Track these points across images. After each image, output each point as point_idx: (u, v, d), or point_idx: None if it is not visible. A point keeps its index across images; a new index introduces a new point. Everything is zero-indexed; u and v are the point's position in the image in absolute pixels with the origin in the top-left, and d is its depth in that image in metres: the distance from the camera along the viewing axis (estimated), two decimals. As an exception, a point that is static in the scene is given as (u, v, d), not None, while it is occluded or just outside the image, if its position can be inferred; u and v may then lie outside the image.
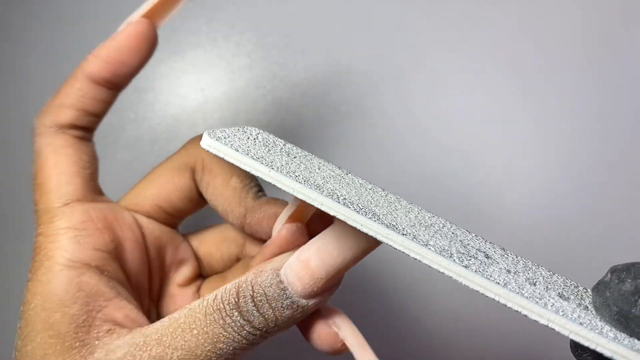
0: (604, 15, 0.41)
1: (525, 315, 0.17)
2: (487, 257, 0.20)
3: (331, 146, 0.42)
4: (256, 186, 0.27)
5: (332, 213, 0.19)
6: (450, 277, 0.18)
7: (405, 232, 0.19)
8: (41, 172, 0.25)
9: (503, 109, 0.42)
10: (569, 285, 0.21)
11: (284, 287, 0.21)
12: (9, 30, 0.44)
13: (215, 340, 0.20)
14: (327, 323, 0.23)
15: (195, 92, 0.43)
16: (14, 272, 0.43)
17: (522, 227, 0.41)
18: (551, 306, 0.17)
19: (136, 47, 0.25)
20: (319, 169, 0.22)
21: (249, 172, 0.26)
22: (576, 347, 0.18)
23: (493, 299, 0.17)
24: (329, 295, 0.22)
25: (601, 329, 0.17)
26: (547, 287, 0.19)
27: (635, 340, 0.17)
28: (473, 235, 0.22)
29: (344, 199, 0.19)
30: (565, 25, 0.42)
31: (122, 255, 0.25)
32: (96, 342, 0.22)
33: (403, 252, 0.18)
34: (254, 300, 0.21)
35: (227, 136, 0.21)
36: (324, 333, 0.22)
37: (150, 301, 0.28)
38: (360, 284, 0.41)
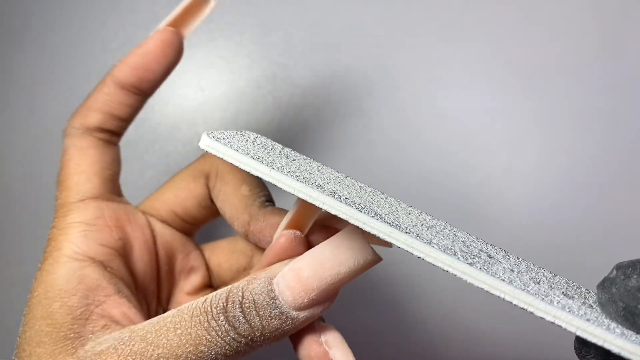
0: (604, 15, 0.41)
1: (531, 313, 0.17)
2: (490, 257, 0.20)
3: (331, 146, 0.42)
4: (264, 196, 0.26)
5: (333, 212, 0.19)
6: (455, 275, 0.18)
7: (408, 231, 0.18)
8: (64, 169, 0.26)
9: (503, 110, 0.42)
10: (571, 285, 0.21)
11: (275, 296, 0.20)
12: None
13: (197, 342, 0.20)
14: (318, 340, 0.22)
15: (195, 92, 0.43)
16: (14, 272, 0.42)
17: (522, 227, 0.41)
18: (557, 303, 0.17)
19: (162, 53, 0.26)
20: (318, 171, 0.22)
21: (259, 182, 0.27)
22: (580, 348, 0.17)
23: (498, 297, 0.17)
24: (321, 309, 0.21)
25: (608, 325, 0.17)
26: (551, 286, 0.19)
27: None
28: (474, 237, 0.22)
29: (346, 198, 0.19)
30: (565, 25, 0.42)
31: (130, 255, 0.26)
32: (90, 335, 0.22)
33: (406, 251, 0.18)
34: (241, 306, 0.20)
35: (226, 137, 0.21)
36: (313, 350, 0.21)
37: (159, 306, 0.28)
38: (361, 284, 0.41)
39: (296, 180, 0.19)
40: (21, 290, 0.42)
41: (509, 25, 0.42)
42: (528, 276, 0.19)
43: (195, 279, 0.29)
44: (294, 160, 0.22)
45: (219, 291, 0.21)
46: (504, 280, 0.17)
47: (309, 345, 0.21)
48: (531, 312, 0.17)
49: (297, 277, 0.20)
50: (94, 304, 0.23)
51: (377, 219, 0.18)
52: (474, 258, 0.18)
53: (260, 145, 0.22)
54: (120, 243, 0.25)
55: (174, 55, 0.27)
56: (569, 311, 0.17)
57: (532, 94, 0.42)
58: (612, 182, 0.41)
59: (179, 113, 0.43)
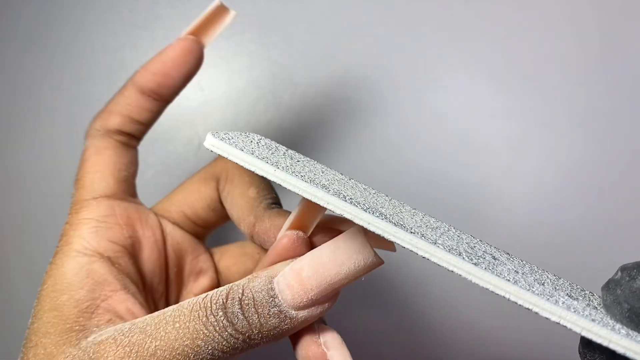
0: (606, 15, 0.42)
1: (537, 313, 0.17)
2: (495, 258, 0.20)
3: (331, 146, 0.42)
4: (271, 198, 0.27)
5: (338, 212, 0.19)
6: (460, 275, 0.18)
7: (413, 231, 0.18)
8: (81, 168, 0.27)
9: (503, 110, 0.42)
10: (575, 288, 0.21)
11: (274, 294, 0.20)
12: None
13: (194, 336, 0.20)
14: (316, 341, 0.22)
15: (195, 92, 0.43)
16: (13, 273, 0.42)
17: (523, 228, 0.41)
18: (562, 303, 0.17)
19: (181, 60, 0.27)
20: (322, 172, 0.22)
21: (267, 185, 0.27)
22: (585, 352, 0.18)
23: (503, 297, 0.17)
24: (321, 310, 0.21)
25: (613, 326, 0.17)
26: (555, 288, 0.19)
27: None
28: (478, 240, 0.22)
29: (350, 198, 0.19)
30: (566, 25, 0.42)
31: (139, 253, 0.26)
32: (95, 328, 0.22)
33: (411, 251, 0.18)
34: (240, 303, 0.20)
35: (231, 137, 0.21)
36: (311, 351, 0.21)
37: (167, 306, 0.28)
38: (362, 285, 0.41)
39: (301, 179, 0.19)
40: (22, 292, 0.42)
41: (509, 25, 0.42)
42: (532, 277, 0.19)
43: (204, 281, 0.30)
44: (298, 161, 0.22)
45: (221, 288, 0.21)
46: (509, 280, 0.17)
47: (308, 346, 0.22)
48: (536, 313, 0.17)
49: (297, 277, 0.20)
50: (100, 298, 0.23)
51: (382, 219, 0.18)
52: (478, 259, 0.18)
53: (265, 146, 0.22)
54: (129, 241, 0.26)
55: (194, 63, 0.28)
56: (574, 311, 0.17)
57: (532, 95, 0.42)
58: (612, 183, 0.41)
59: (179, 113, 0.43)
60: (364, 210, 0.18)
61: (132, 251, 0.26)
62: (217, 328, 0.20)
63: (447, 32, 0.42)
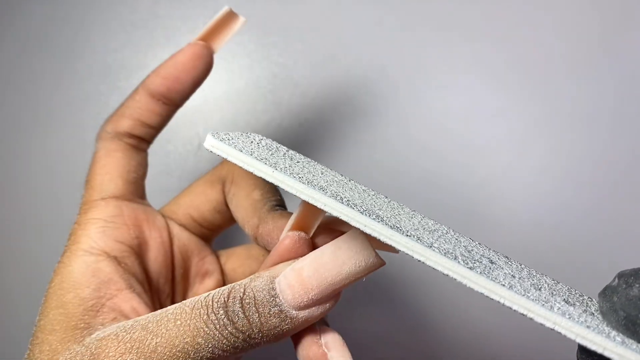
0: (606, 15, 0.41)
1: (531, 319, 0.17)
2: (492, 262, 0.20)
3: (331, 146, 0.42)
4: (275, 201, 0.27)
5: (335, 214, 0.19)
6: (455, 279, 0.18)
7: (409, 234, 0.18)
8: (91, 170, 0.27)
9: (504, 110, 0.42)
10: (573, 293, 0.21)
11: (275, 294, 0.20)
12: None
13: (195, 333, 0.20)
14: (317, 342, 0.22)
15: (195, 92, 0.43)
16: (13, 274, 0.42)
17: (523, 229, 0.41)
18: (557, 309, 0.17)
19: (191, 65, 0.27)
20: (321, 173, 0.22)
21: (271, 187, 0.27)
22: (582, 356, 0.17)
23: (498, 302, 0.17)
24: (322, 310, 0.21)
25: (608, 333, 0.17)
26: (552, 293, 0.19)
27: None
28: (476, 242, 0.22)
29: (348, 200, 0.19)
30: (566, 26, 0.42)
31: (145, 254, 0.27)
32: (100, 326, 0.23)
33: (407, 254, 0.18)
34: (242, 302, 0.20)
35: (230, 138, 0.21)
36: (312, 352, 0.21)
37: None
38: (364, 286, 0.41)
39: (299, 181, 0.19)
40: (22, 292, 0.43)
41: (510, 25, 0.42)
42: (529, 282, 0.19)
43: (210, 282, 0.30)
44: (297, 162, 0.22)
45: (223, 287, 0.21)
46: (504, 285, 0.17)
47: (309, 347, 0.22)
48: (531, 318, 0.17)
49: (298, 276, 0.20)
50: (106, 297, 0.24)
51: (378, 222, 0.18)
52: (474, 262, 0.18)
53: (265, 147, 0.23)
54: (136, 241, 0.26)
55: (204, 68, 0.28)
56: (569, 318, 0.17)
57: (533, 95, 0.42)
58: (613, 183, 0.41)
59: (178, 113, 0.42)
60: (361, 212, 0.18)
61: (139, 251, 0.26)
62: (218, 326, 0.20)
63: (447, 32, 0.42)
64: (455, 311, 0.41)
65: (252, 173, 0.24)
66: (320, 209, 0.19)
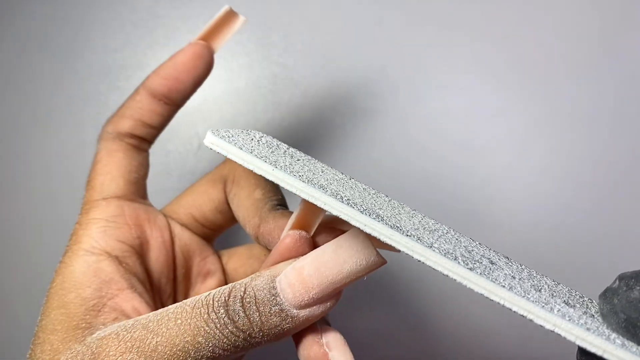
0: (607, 15, 0.41)
1: (531, 320, 0.17)
2: (492, 263, 0.20)
3: (331, 146, 0.42)
4: (277, 200, 0.27)
5: (335, 213, 0.19)
6: (455, 280, 0.18)
7: (409, 234, 0.18)
8: (93, 170, 0.27)
9: (504, 110, 0.42)
10: (574, 295, 0.21)
11: (275, 292, 0.20)
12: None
13: (195, 332, 0.20)
14: (318, 342, 0.22)
15: (195, 92, 0.43)
16: (13, 274, 0.42)
17: (524, 229, 0.41)
18: (557, 311, 0.17)
19: (192, 65, 0.27)
20: (322, 172, 0.22)
21: (273, 187, 0.27)
22: (582, 358, 0.17)
23: (498, 303, 0.17)
24: (323, 309, 0.21)
25: (608, 335, 0.17)
26: (552, 294, 0.19)
27: None
28: (477, 243, 0.22)
29: (348, 199, 0.19)
30: (567, 25, 0.42)
31: (147, 254, 0.27)
32: (101, 326, 0.23)
33: (407, 254, 0.18)
34: (242, 301, 0.20)
35: (231, 135, 0.21)
36: (313, 351, 0.21)
37: None
38: (364, 291, 0.41)
39: (299, 179, 0.19)
40: (22, 292, 0.43)
41: (510, 25, 0.42)
42: (529, 283, 0.19)
43: (212, 282, 0.30)
44: (298, 160, 0.22)
45: (223, 287, 0.21)
46: (504, 286, 0.17)
47: (309, 346, 0.22)
48: (531, 320, 0.17)
49: (299, 275, 0.20)
50: (107, 296, 0.24)
51: (378, 221, 0.18)
52: (474, 263, 0.18)
53: (265, 145, 0.22)
54: (137, 241, 0.26)
55: (204, 68, 0.28)
56: (569, 320, 0.16)
57: (533, 95, 0.41)
58: (614, 184, 0.41)
59: (178, 113, 0.42)
60: (361, 212, 0.18)
61: (140, 251, 0.26)
62: (218, 325, 0.20)
63: (447, 32, 0.42)
64: (456, 309, 0.41)
65: (252, 171, 0.24)
66: (320, 207, 0.19)
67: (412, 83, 0.42)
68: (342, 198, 0.19)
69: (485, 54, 0.42)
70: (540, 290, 0.19)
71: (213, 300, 0.21)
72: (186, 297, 0.29)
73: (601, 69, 0.41)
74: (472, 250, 0.20)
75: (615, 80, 0.41)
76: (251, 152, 0.20)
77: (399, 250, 0.19)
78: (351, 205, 0.18)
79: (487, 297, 0.17)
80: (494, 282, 0.17)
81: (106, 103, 0.43)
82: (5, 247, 0.43)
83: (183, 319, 0.20)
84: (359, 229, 0.19)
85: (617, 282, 0.18)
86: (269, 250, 0.28)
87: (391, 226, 0.18)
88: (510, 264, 0.21)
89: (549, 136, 0.41)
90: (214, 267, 0.30)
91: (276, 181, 0.19)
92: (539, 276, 0.21)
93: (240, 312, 0.20)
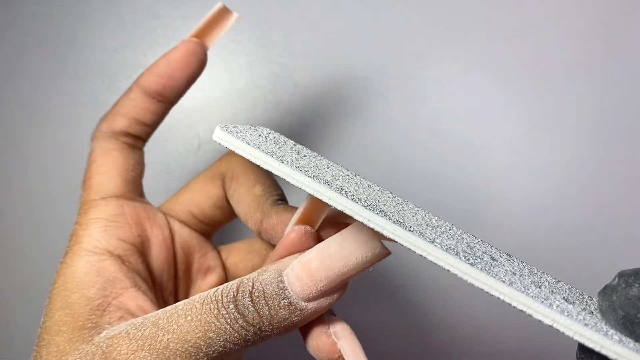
0: (608, 15, 0.41)
1: (530, 315, 0.17)
2: (493, 259, 0.20)
3: (331, 146, 0.42)
4: (277, 195, 0.27)
5: (339, 208, 0.19)
6: (456, 275, 0.18)
7: (412, 229, 0.19)
8: (88, 170, 0.27)
9: (505, 110, 0.42)
10: (574, 292, 0.21)
11: (284, 286, 0.21)
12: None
13: (206, 328, 0.20)
14: (326, 332, 0.22)
15: (195, 92, 0.43)
16: (12, 274, 0.43)
17: (524, 228, 0.41)
18: (556, 307, 0.17)
19: (185, 63, 0.27)
20: (328, 168, 0.23)
21: (272, 182, 0.28)
22: (582, 356, 0.17)
23: (498, 298, 0.17)
24: (330, 301, 0.21)
25: (606, 331, 0.17)
26: (552, 291, 0.19)
27: None
28: (479, 240, 0.22)
29: (352, 195, 0.19)
30: (568, 25, 0.42)
31: (148, 252, 0.27)
32: (107, 325, 0.23)
33: (409, 249, 0.18)
34: (251, 296, 0.21)
35: (239, 131, 0.21)
36: (322, 341, 0.22)
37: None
38: (368, 285, 0.41)
39: (304, 175, 0.19)
40: (21, 292, 0.43)
41: (511, 23, 0.42)
42: (530, 280, 0.19)
43: (212, 278, 0.30)
44: (304, 156, 0.23)
45: (231, 282, 0.22)
46: (504, 281, 0.17)
47: (318, 336, 0.22)
48: (530, 315, 0.17)
49: (306, 269, 0.21)
50: (111, 295, 0.24)
51: (382, 216, 0.18)
52: (476, 259, 0.19)
53: (273, 141, 0.23)
54: (138, 240, 0.26)
55: (198, 65, 0.28)
56: (568, 315, 0.17)
57: (534, 95, 0.42)
58: (614, 184, 0.41)
59: (178, 113, 0.43)
60: (365, 207, 0.19)
61: (142, 249, 0.27)
62: (229, 320, 0.20)
63: (448, 32, 0.42)
64: (457, 304, 0.41)
65: (252, 168, 0.24)
66: (325, 203, 0.19)
67: (412, 83, 0.42)
68: (346, 193, 0.19)
69: (485, 53, 0.42)
70: (540, 287, 0.19)
71: (222, 296, 0.21)
72: (187, 293, 0.29)
73: (602, 69, 0.41)
74: (474, 246, 0.21)
75: (617, 82, 0.41)
76: (258, 147, 0.20)
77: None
78: (355, 201, 0.19)
79: (487, 292, 0.18)
80: (495, 277, 0.17)
81: (106, 103, 0.42)
82: (4, 247, 0.43)
83: (193, 315, 0.21)
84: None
85: (617, 279, 0.18)
86: (271, 245, 0.28)
87: (394, 221, 0.19)
88: (511, 260, 0.21)
89: (549, 136, 0.41)
90: (214, 263, 0.30)
91: (283, 176, 0.20)
92: (539, 273, 0.21)
93: (250, 306, 0.20)
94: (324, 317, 0.22)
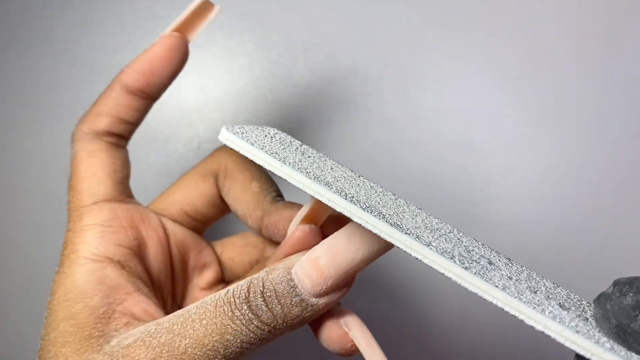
0: (609, 14, 0.41)
1: (522, 321, 0.17)
2: (490, 263, 0.20)
3: (331, 146, 0.42)
4: (275, 191, 0.27)
5: (338, 209, 0.19)
6: (450, 278, 0.18)
7: (408, 232, 0.19)
8: (75, 173, 0.26)
9: (505, 110, 0.42)
10: (572, 298, 0.21)
11: (294, 284, 0.21)
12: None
13: (223, 331, 0.21)
14: (337, 323, 0.23)
15: (195, 92, 0.43)
16: (11, 274, 0.43)
17: (524, 229, 0.41)
18: (549, 313, 0.17)
19: (167, 58, 0.27)
20: (331, 169, 0.23)
21: (268, 178, 0.28)
22: None
23: (491, 303, 0.18)
24: (340, 295, 0.22)
25: (598, 339, 0.17)
26: (548, 297, 0.19)
27: (633, 355, 0.17)
28: (480, 243, 0.23)
29: (352, 197, 0.20)
30: (569, 25, 0.42)
31: (145, 254, 0.27)
32: (114, 332, 0.23)
33: (405, 251, 0.19)
34: (263, 296, 0.21)
35: (244, 132, 0.22)
36: (334, 333, 0.22)
37: (174, 303, 0.29)
38: (369, 284, 0.41)
39: (305, 176, 0.20)
40: (21, 292, 0.43)
41: (511, 24, 0.42)
42: (526, 285, 0.19)
43: (209, 274, 0.30)
44: (309, 157, 0.23)
45: (240, 282, 0.22)
46: (497, 286, 0.18)
47: (330, 328, 0.23)
48: (522, 320, 0.17)
49: (315, 266, 0.21)
50: (115, 302, 0.23)
51: (379, 219, 0.19)
52: (471, 263, 0.19)
53: (278, 141, 0.23)
54: (135, 243, 0.26)
55: (180, 60, 0.27)
56: (560, 321, 0.17)
57: (534, 95, 0.41)
58: (615, 184, 0.41)
59: (178, 113, 0.43)
60: (363, 209, 0.19)
61: (139, 252, 0.26)
62: (244, 321, 0.21)
63: (448, 32, 0.42)
64: (456, 306, 0.41)
65: (245, 165, 0.25)
66: None
67: (412, 83, 0.42)
68: (346, 195, 0.20)
69: (485, 53, 0.42)
70: (536, 292, 0.19)
71: (234, 298, 0.21)
72: (184, 291, 0.29)
73: (602, 69, 0.41)
74: (472, 250, 0.21)
75: (617, 80, 0.41)
76: (262, 149, 0.21)
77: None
78: (354, 203, 0.19)
79: (480, 296, 0.18)
80: (488, 281, 0.18)
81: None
82: (4, 247, 0.43)
83: (208, 319, 0.21)
84: None
85: (612, 287, 0.18)
86: (273, 242, 0.29)
87: (391, 224, 0.19)
88: (510, 265, 0.21)
89: (550, 136, 0.41)
90: (210, 259, 0.30)
91: (284, 177, 0.20)
92: (538, 278, 0.21)
93: (263, 306, 0.21)
94: (333, 310, 0.23)
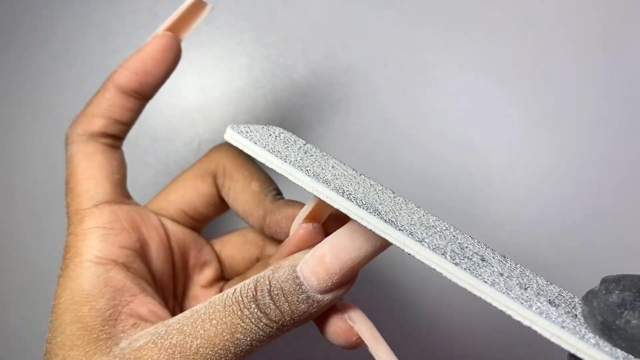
0: (609, 14, 0.41)
1: (510, 316, 0.17)
2: (483, 260, 0.20)
3: (331, 146, 0.42)
4: (275, 190, 0.28)
5: (335, 206, 0.20)
6: (441, 273, 0.19)
7: (402, 228, 0.19)
8: (73, 176, 0.26)
9: (505, 110, 0.41)
10: (564, 295, 0.21)
11: (300, 282, 0.21)
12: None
13: (233, 330, 0.21)
14: (342, 317, 0.23)
15: (195, 92, 0.43)
16: (13, 274, 0.43)
17: (524, 229, 0.41)
18: (536, 309, 0.17)
19: (161, 58, 0.27)
20: (332, 167, 0.23)
21: (267, 177, 0.28)
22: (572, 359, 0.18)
23: (480, 298, 0.18)
24: (344, 290, 0.22)
25: (584, 335, 0.17)
26: (538, 293, 0.19)
27: (618, 351, 0.17)
28: (475, 241, 0.23)
29: (349, 194, 0.20)
30: (569, 24, 0.41)
31: (148, 255, 0.27)
32: (122, 334, 0.23)
33: (399, 247, 0.19)
34: (270, 294, 0.21)
35: (249, 131, 0.23)
36: (339, 327, 0.23)
37: (175, 301, 0.29)
38: (370, 283, 0.41)
39: (305, 174, 0.21)
40: (21, 292, 0.43)
41: (512, 24, 0.42)
42: (516, 281, 0.20)
43: (209, 272, 0.30)
44: (311, 156, 0.24)
45: (247, 281, 0.22)
46: (486, 282, 0.18)
47: (335, 323, 0.23)
48: (509, 315, 0.17)
49: (320, 263, 0.21)
50: (122, 304, 0.24)
51: (374, 215, 0.19)
52: (463, 259, 0.19)
53: (282, 140, 0.24)
54: (137, 244, 0.26)
55: (173, 59, 0.27)
56: (546, 317, 0.17)
57: (534, 95, 0.41)
58: (614, 184, 0.40)
59: (178, 113, 0.43)
60: (359, 205, 0.20)
61: (142, 253, 0.26)
62: (253, 320, 0.21)
63: (448, 32, 0.42)
64: (456, 306, 0.41)
65: (244, 164, 0.26)
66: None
67: (412, 83, 0.42)
68: (343, 192, 0.20)
69: (485, 53, 0.42)
70: (526, 289, 0.19)
71: (242, 297, 0.21)
72: (185, 289, 0.30)
73: (602, 69, 0.41)
74: (467, 247, 0.21)
75: (617, 80, 0.41)
76: (265, 147, 0.21)
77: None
78: (350, 200, 0.20)
79: (470, 292, 0.18)
80: (477, 277, 0.18)
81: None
82: (4, 247, 0.43)
83: (218, 318, 0.21)
84: None
85: (600, 285, 0.18)
86: (270, 238, 0.29)
87: (386, 220, 0.19)
88: (503, 262, 0.21)
89: (549, 136, 0.41)
90: (210, 257, 0.30)
91: (285, 175, 0.21)
92: (530, 275, 0.22)
93: (271, 304, 0.21)
94: (337, 305, 0.23)
